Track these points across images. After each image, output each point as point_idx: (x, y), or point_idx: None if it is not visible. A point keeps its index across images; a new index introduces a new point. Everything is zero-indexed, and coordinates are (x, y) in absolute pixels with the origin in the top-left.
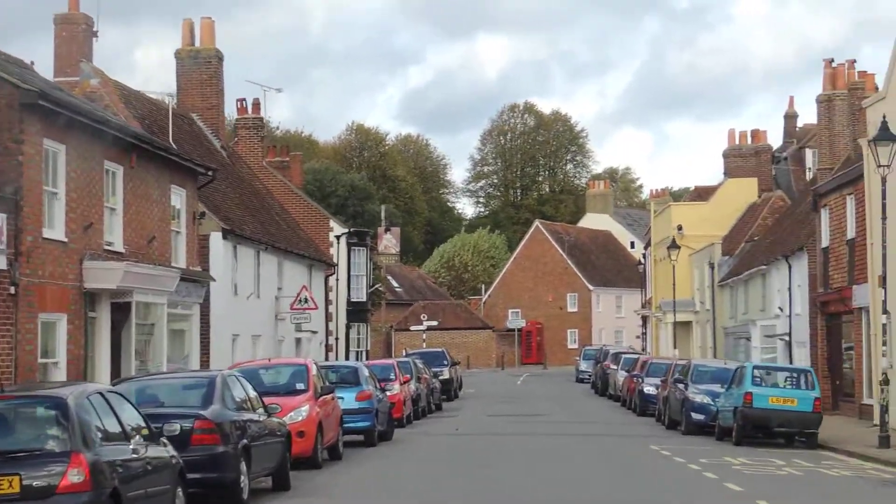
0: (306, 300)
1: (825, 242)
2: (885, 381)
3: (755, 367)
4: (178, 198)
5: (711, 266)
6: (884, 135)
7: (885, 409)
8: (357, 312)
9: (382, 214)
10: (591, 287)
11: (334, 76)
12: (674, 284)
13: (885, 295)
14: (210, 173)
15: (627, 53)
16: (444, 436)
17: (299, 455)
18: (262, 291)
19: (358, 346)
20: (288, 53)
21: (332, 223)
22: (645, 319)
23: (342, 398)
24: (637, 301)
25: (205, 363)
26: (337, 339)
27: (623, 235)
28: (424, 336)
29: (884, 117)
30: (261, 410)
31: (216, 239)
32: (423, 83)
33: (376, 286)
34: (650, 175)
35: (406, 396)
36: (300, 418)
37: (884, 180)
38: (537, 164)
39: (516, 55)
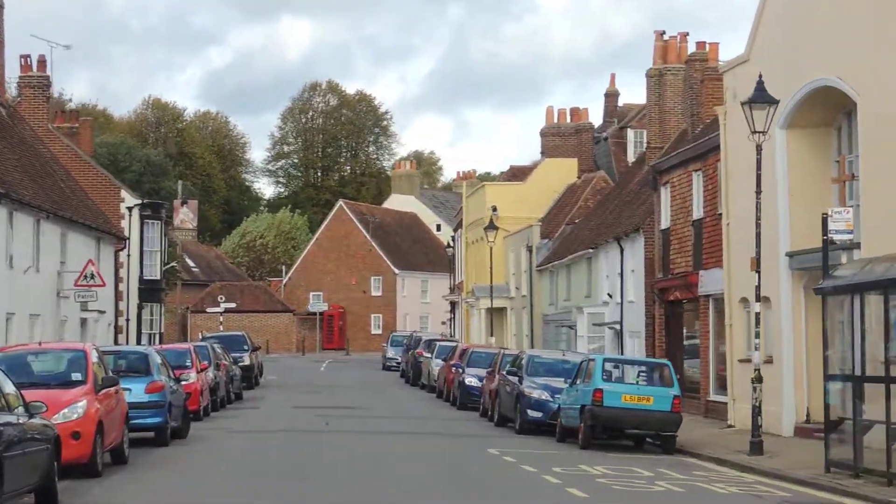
0: (92, 276)
1: (665, 224)
2: (759, 379)
3: (606, 360)
4: None
5: (529, 249)
6: (761, 96)
7: (757, 411)
8: (150, 292)
9: (179, 189)
10: (396, 270)
11: (133, 54)
12: (491, 268)
13: (759, 280)
14: None
15: (431, 40)
16: (247, 433)
17: (74, 460)
18: (42, 265)
19: (151, 329)
20: (84, 29)
21: (124, 193)
22: (453, 305)
23: (129, 390)
24: (444, 286)
25: None
26: (128, 320)
27: (429, 218)
28: (222, 319)
29: (760, 76)
30: (20, 409)
31: None
32: (224, 64)
33: (171, 264)
34: (451, 161)
35: (203, 386)
36: (75, 416)
37: (759, 148)
38: (339, 144)
39: (320, 38)
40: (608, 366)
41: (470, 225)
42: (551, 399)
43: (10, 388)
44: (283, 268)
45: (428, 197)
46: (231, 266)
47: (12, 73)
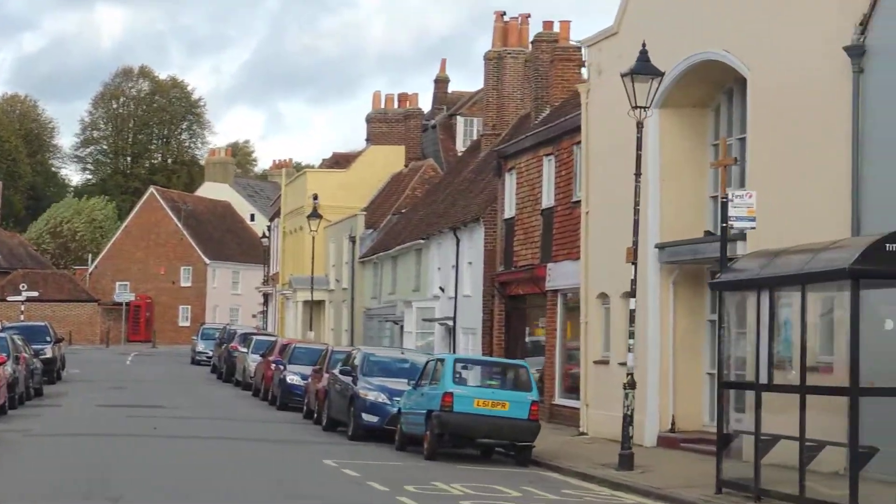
0: None
1: (510, 212)
2: (632, 385)
3: (457, 361)
4: None
5: (353, 240)
6: (645, 67)
7: (629, 420)
8: None
9: None
10: (207, 260)
11: None
12: (312, 258)
13: (635, 273)
14: None
15: (247, 31)
16: (49, 437)
17: None
18: None
19: None
20: None
21: None
22: (266, 297)
23: None
24: (257, 277)
25: None
26: None
27: (243, 207)
28: (23, 308)
29: (644, 46)
30: None
31: None
32: (36, 49)
33: None
34: (266, 153)
35: (1, 381)
36: None
37: (640, 126)
38: (151, 132)
39: (134, 27)
40: (459, 367)
41: (288, 214)
42: (389, 402)
43: None
44: (90, 256)
45: (242, 185)
46: (35, 253)
47: None
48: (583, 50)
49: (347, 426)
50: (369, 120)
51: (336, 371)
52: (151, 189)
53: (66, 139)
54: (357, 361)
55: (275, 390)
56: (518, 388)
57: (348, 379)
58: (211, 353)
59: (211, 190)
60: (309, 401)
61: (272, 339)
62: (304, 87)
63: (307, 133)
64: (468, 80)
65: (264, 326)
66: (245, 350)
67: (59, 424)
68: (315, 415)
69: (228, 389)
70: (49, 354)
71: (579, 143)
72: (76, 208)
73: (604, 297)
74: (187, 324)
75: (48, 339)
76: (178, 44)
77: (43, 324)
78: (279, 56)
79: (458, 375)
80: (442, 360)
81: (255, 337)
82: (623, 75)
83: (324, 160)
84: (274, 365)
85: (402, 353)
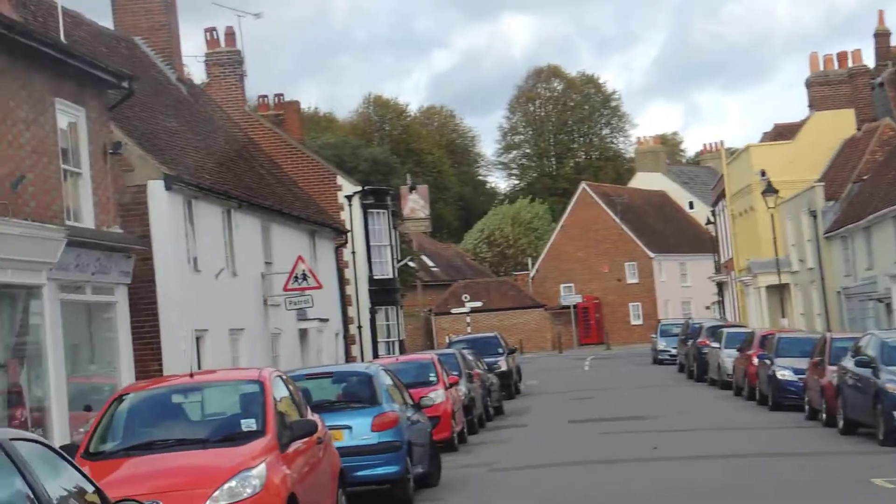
0: (304, 276)
1: None
2: None
3: None
4: (77, 118)
5: (813, 214)
6: None
7: None
8: (383, 293)
9: (408, 180)
10: (651, 254)
11: (358, 63)
12: (774, 239)
13: None
14: (125, 84)
15: (652, 26)
16: (523, 471)
17: None
18: (239, 267)
19: (388, 336)
20: (310, 43)
21: (341, 180)
22: (720, 287)
23: (348, 428)
24: (705, 267)
25: (146, 373)
26: (360, 327)
27: (679, 195)
28: (469, 319)
29: None
30: None
31: (156, 189)
32: (448, 66)
33: (406, 260)
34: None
35: (455, 406)
36: (247, 494)
37: None
38: (570, 130)
39: (541, 33)
40: None
41: (734, 196)
42: None
43: None
44: (529, 260)
45: (676, 173)
46: (473, 263)
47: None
48: None
49: (874, 428)
50: (809, 84)
51: (847, 362)
52: (583, 185)
53: (488, 147)
54: (872, 350)
55: (763, 388)
56: None
57: (867, 371)
58: (674, 351)
59: (643, 180)
60: (811, 399)
61: (745, 330)
62: (715, 76)
63: (725, 121)
64: None
65: (722, 317)
66: (717, 345)
67: (528, 450)
68: (822, 416)
69: (704, 390)
70: (504, 367)
71: None
72: (508, 213)
73: None
74: (639, 322)
75: (500, 350)
76: (587, 45)
77: (493, 334)
78: (687, 47)
79: None
80: None
81: (725, 330)
82: None
83: (764, 134)
84: (758, 360)
85: None
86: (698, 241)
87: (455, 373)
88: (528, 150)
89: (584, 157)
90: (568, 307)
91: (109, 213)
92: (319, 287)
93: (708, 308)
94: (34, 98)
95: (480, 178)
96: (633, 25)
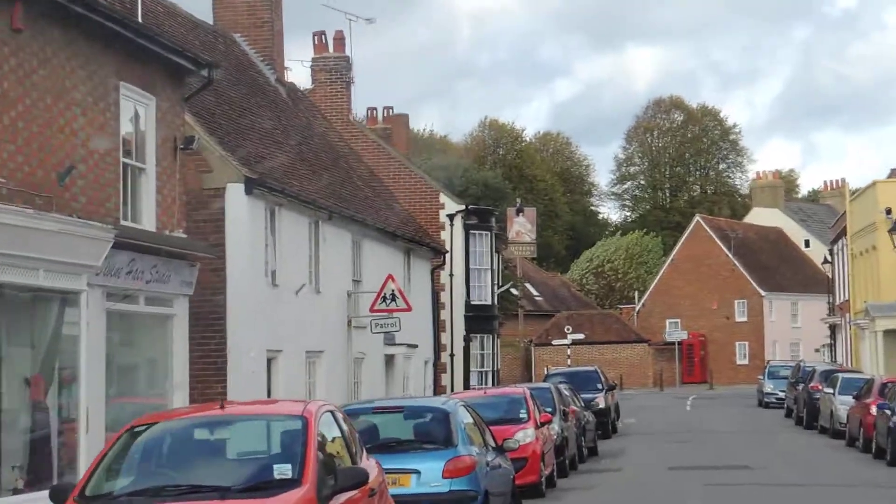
0: (394, 297)
1: None
2: None
3: None
4: (146, 107)
5: None
6: None
7: None
8: (480, 320)
9: (517, 203)
10: (762, 292)
11: (480, 89)
12: None
13: None
14: (205, 72)
15: (777, 61)
16: None
17: None
18: (323, 283)
19: (482, 366)
20: (434, 68)
21: (444, 198)
22: (833, 329)
23: (417, 473)
24: (817, 308)
25: (207, 395)
26: (452, 355)
27: (796, 232)
28: (569, 352)
29: None
30: None
31: (235, 193)
32: (570, 95)
33: (508, 286)
34: (806, 182)
35: (546, 447)
36: None
37: None
38: (687, 163)
39: (664, 65)
40: None
41: (855, 234)
42: None
43: None
44: (636, 293)
45: (793, 210)
46: (579, 294)
47: (302, 51)
48: None
49: None
50: None
51: None
52: (697, 217)
53: (602, 178)
54: None
55: (881, 441)
56: None
57: None
58: (782, 395)
59: (759, 216)
60: None
61: (862, 377)
62: (837, 115)
63: (843, 161)
64: None
65: (833, 361)
66: (831, 391)
67: (625, 499)
68: None
69: (814, 438)
70: (602, 404)
71: None
72: (618, 244)
73: None
74: (745, 361)
75: (599, 386)
76: (710, 79)
77: (592, 368)
78: (811, 86)
79: None
80: None
81: (840, 375)
82: None
83: (892, 170)
84: (877, 409)
85: None
86: (812, 280)
87: (548, 409)
88: (642, 182)
89: (699, 190)
90: (672, 343)
91: (174, 216)
92: (409, 309)
93: (817, 351)
94: (95, 80)
95: (593, 208)
96: (759, 61)
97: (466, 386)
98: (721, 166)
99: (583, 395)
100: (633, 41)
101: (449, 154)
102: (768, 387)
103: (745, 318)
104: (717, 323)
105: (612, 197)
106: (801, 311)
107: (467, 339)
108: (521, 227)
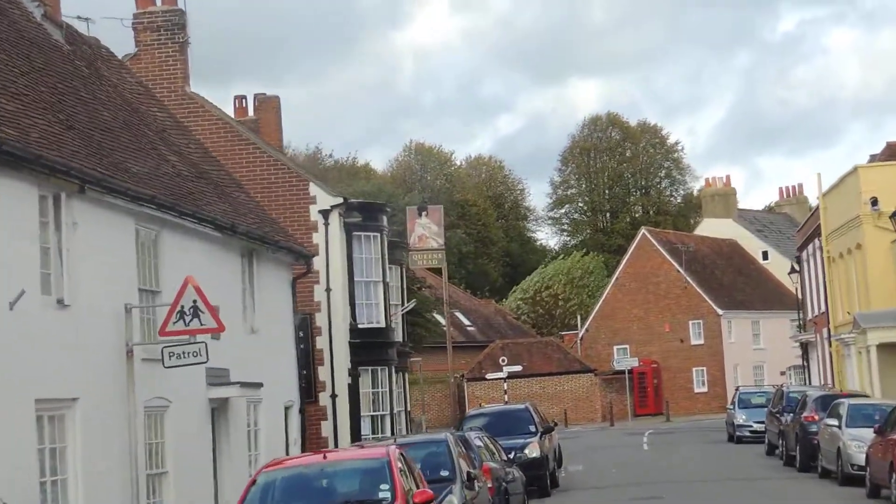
0: (196, 311)
1: None
2: None
3: None
4: None
5: None
6: None
7: None
8: (371, 348)
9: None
10: (719, 311)
11: (424, 128)
12: None
13: None
14: None
15: (720, 88)
16: None
17: None
18: (74, 292)
19: (376, 408)
20: (377, 107)
21: (315, 189)
22: (805, 347)
23: None
24: (779, 326)
25: None
26: (334, 396)
27: (752, 244)
28: (506, 386)
29: None
30: None
31: None
32: (513, 130)
33: (410, 305)
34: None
35: None
36: None
37: None
38: (627, 183)
39: (607, 97)
40: None
41: (832, 234)
42: None
43: None
44: (578, 318)
45: (748, 220)
46: (515, 322)
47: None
48: None
49: None
50: None
51: None
52: (643, 230)
53: (539, 202)
54: None
55: None
56: None
57: None
58: (758, 427)
59: (711, 227)
60: None
61: (875, 402)
62: (780, 140)
63: (787, 185)
64: None
65: (807, 383)
66: (834, 423)
67: None
68: None
69: (819, 486)
70: (535, 453)
71: None
72: (557, 268)
73: None
74: (703, 389)
75: (532, 427)
76: (653, 107)
77: (522, 406)
78: (754, 111)
79: None
80: None
81: (846, 402)
82: None
83: (872, 156)
84: None
85: None
86: (773, 295)
87: (445, 472)
88: (580, 205)
89: (641, 211)
90: (622, 372)
91: None
92: (220, 329)
93: (783, 374)
94: None
95: (529, 233)
96: (702, 89)
97: (357, 436)
98: (663, 185)
99: (511, 442)
100: (575, 74)
101: (372, 181)
102: (740, 418)
103: (701, 341)
104: (671, 347)
105: (549, 222)
106: (764, 330)
107: (354, 375)
108: (425, 230)
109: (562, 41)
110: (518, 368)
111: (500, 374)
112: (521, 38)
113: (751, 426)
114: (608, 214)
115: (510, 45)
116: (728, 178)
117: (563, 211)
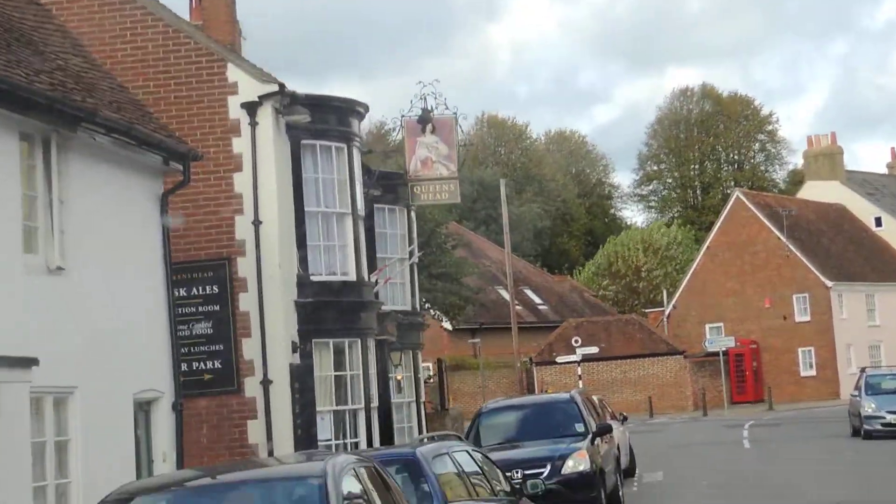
0: None
1: None
2: None
3: None
4: None
5: None
6: None
7: None
8: (334, 311)
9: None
10: (828, 283)
11: (518, 119)
12: None
13: None
14: None
15: (817, 76)
16: None
17: None
18: None
19: (346, 401)
20: (472, 98)
21: (235, 71)
22: None
23: None
24: None
25: None
26: (268, 383)
27: (863, 209)
28: (580, 371)
29: None
30: None
31: None
32: (609, 120)
33: (411, 250)
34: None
35: None
36: None
37: None
38: (718, 157)
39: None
40: None
41: None
42: None
43: None
44: (665, 294)
45: (857, 182)
46: (595, 300)
47: None
48: None
49: None
50: None
51: None
52: (737, 192)
53: (624, 178)
54: None
55: None
56: None
57: None
58: (893, 419)
59: (816, 190)
60: None
61: None
62: (879, 128)
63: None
64: None
65: None
66: None
67: None
68: None
69: None
70: (583, 466)
71: None
72: (631, 236)
73: None
74: (811, 372)
75: (579, 427)
76: (752, 96)
77: (565, 397)
78: (852, 98)
79: None
80: None
81: None
82: None
83: None
84: None
85: None
86: (889, 266)
87: None
88: (669, 181)
89: (733, 187)
90: (716, 354)
91: None
92: None
93: None
94: None
95: (616, 210)
96: (800, 77)
97: (308, 442)
98: (757, 159)
99: (545, 450)
100: (672, 63)
101: None
102: (869, 407)
103: (807, 318)
104: (772, 325)
105: (636, 199)
106: (880, 304)
107: (300, 349)
108: (431, 152)
109: (658, 31)
110: (594, 350)
111: (573, 357)
112: (618, 29)
113: (883, 417)
114: (698, 190)
115: (606, 35)
116: (833, 135)
117: (650, 188)
